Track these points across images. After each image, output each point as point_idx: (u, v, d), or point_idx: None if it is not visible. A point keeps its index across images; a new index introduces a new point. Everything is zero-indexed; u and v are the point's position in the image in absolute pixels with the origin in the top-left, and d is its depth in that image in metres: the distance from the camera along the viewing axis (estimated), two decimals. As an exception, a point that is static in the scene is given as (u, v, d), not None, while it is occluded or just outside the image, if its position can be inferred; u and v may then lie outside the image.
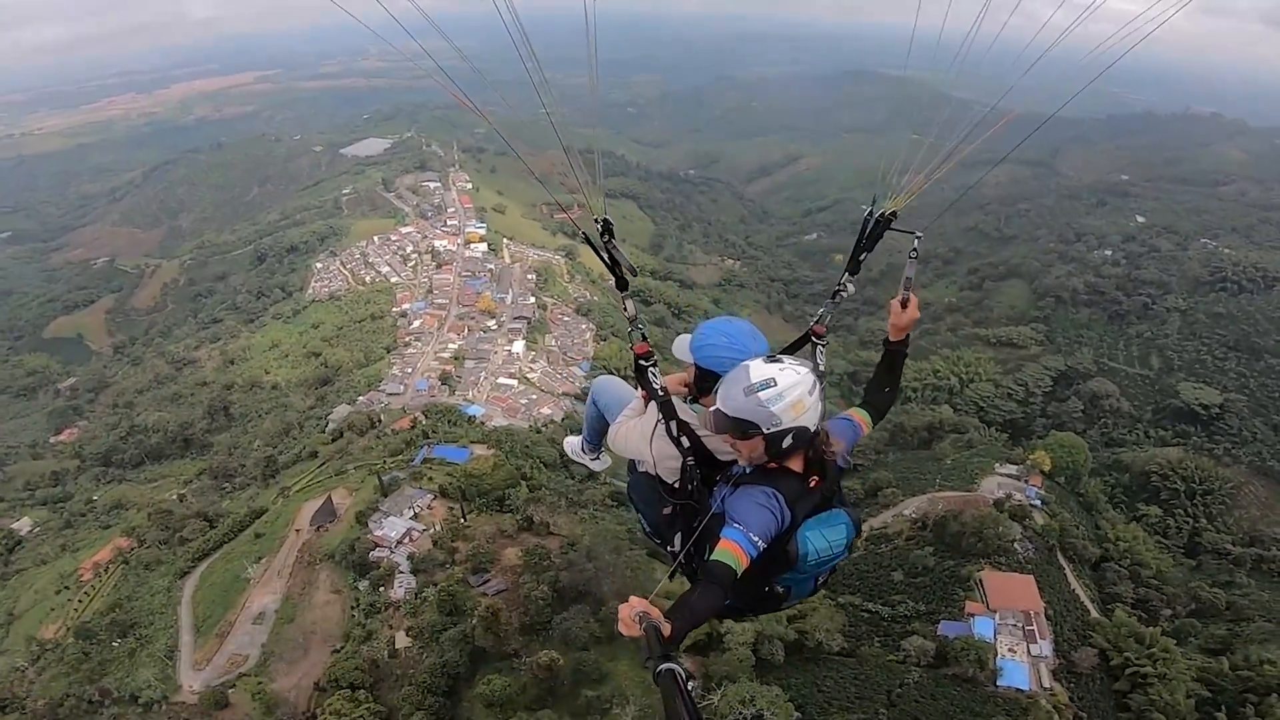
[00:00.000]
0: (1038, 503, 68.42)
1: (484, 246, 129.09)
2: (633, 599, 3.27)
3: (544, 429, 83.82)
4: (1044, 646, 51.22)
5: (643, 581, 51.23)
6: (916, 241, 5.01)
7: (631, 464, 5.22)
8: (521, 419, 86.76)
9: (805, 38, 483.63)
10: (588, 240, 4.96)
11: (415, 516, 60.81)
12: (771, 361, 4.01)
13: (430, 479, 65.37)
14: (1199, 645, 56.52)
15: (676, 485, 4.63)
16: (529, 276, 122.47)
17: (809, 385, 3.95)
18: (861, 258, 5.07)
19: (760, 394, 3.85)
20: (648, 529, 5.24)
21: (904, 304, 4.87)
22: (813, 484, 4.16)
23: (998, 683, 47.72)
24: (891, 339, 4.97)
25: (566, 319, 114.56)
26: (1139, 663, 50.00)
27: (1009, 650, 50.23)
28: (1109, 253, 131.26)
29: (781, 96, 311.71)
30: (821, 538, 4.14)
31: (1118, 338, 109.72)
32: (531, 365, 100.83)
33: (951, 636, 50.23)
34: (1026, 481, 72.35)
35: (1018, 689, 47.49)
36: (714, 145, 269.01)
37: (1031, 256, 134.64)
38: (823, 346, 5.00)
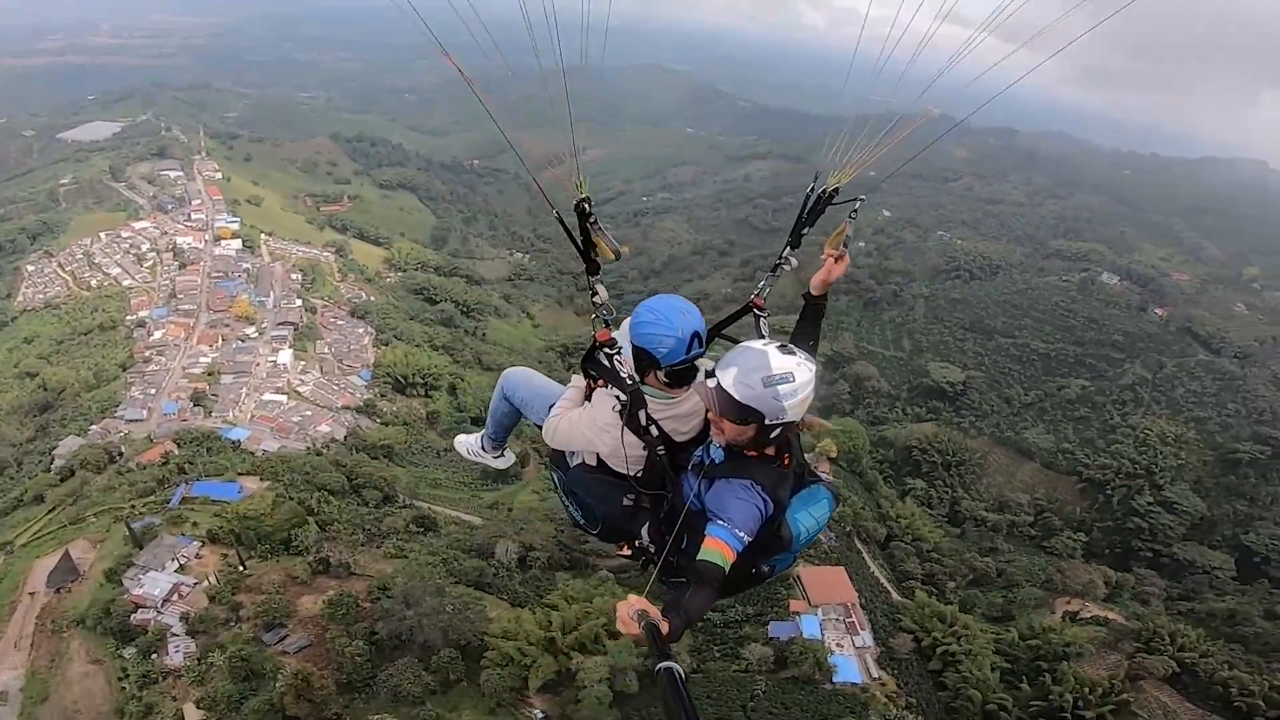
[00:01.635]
0: (830, 489, 74.10)
1: (238, 243, 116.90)
2: (631, 597, 3.31)
3: (325, 450, 77.12)
4: (865, 637, 55.18)
5: (474, 620, 49.18)
6: (857, 205, 5.11)
7: (561, 457, 5.13)
8: (296, 440, 79.17)
9: (598, 28, 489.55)
10: (560, 222, 4.81)
11: (182, 569, 53.71)
12: (786, 353, 3.96)
13: (194, 523, 57.89)
14: (983, 614, 63.66)
15: (638, 475, 4.56)
16: (293, 276, 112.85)
17: (814, 383, 3.97)
18: (804, 232, 5.19)
19: (779, 387, 3.83)
20: (583, 522, 5.16)
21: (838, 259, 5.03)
22: (785, 464, 4.23)
23: (834, 679, 50.53)
24: (815, 293, 5.04)
25: (340, 323, 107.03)
26: (946, 642, 55.50)
27: (836, 645, 53.58)
28: (862, 244, 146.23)
29: (570, 86, 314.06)
30: (809, 516, 4.35)
31: (873, 323, 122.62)
32: (302, 377, 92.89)
33: (783, 638, 52.71)
34: (816, 469, 78.15)
35: (852, 683, 50.71)
36: (500, 134, 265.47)
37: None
38: (765, 318, 5.04)
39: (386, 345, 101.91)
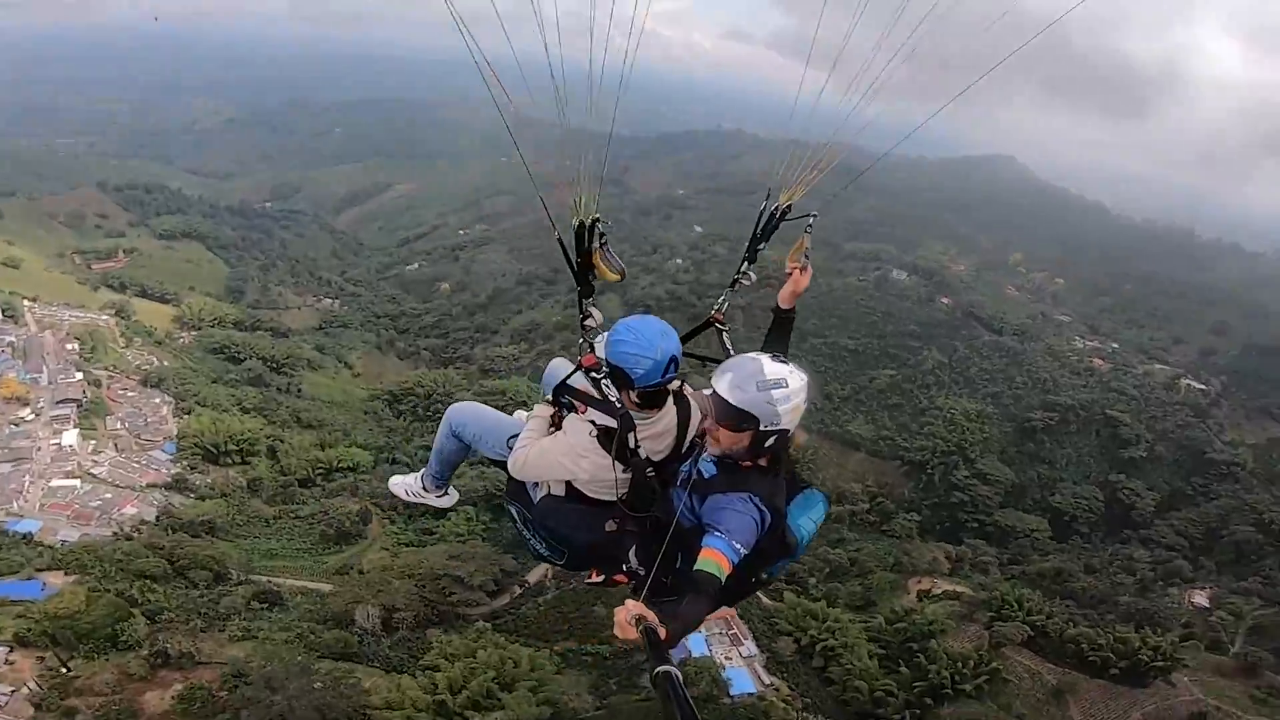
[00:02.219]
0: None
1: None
2: (629, 602, 3.33)
3: (137, 533, 68.81)
4: (750, 646, 56.64)
5: (349, 694, 45.66)
6: (812, 218, 5.39)
7: (521, 490, 5.06)
8: (99, 526, 70.25)
9: (387, 59, 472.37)
10: (560, 244, 4.84)
11: (-8, 677, 46.47)
12: (778, 361, 4.15)
13: (-4, 628, 50.49)
14: (847, 605, 65.97)
15: (624, 497, 4.53)
16: (69, 346, 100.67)
17: (805, 392, 4.14)
18: (760, 248, 5.47)
19: (773, 391, 3.99)
20: (547, 554, 5.06)
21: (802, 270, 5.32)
22: (778, 473, 4.34)
23: (731, 693, 50.83)
24: (784, 306, 5.29)
25: (132, 394, 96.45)
26: (822, 638, 57.61)
27: (725, 658, 54.45)
28: (680, 261, 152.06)
29: (367, 121, 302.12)
30: (809, 521, 4.49)
31: (700, 336, 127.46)
32: (95, 458, 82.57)
33: (675, 660, 52.45)
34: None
35: (749, 693, 51.48)
36: (293, 174, 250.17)
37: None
38: (726, 331, 5.37)
39: (189, 414, 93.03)
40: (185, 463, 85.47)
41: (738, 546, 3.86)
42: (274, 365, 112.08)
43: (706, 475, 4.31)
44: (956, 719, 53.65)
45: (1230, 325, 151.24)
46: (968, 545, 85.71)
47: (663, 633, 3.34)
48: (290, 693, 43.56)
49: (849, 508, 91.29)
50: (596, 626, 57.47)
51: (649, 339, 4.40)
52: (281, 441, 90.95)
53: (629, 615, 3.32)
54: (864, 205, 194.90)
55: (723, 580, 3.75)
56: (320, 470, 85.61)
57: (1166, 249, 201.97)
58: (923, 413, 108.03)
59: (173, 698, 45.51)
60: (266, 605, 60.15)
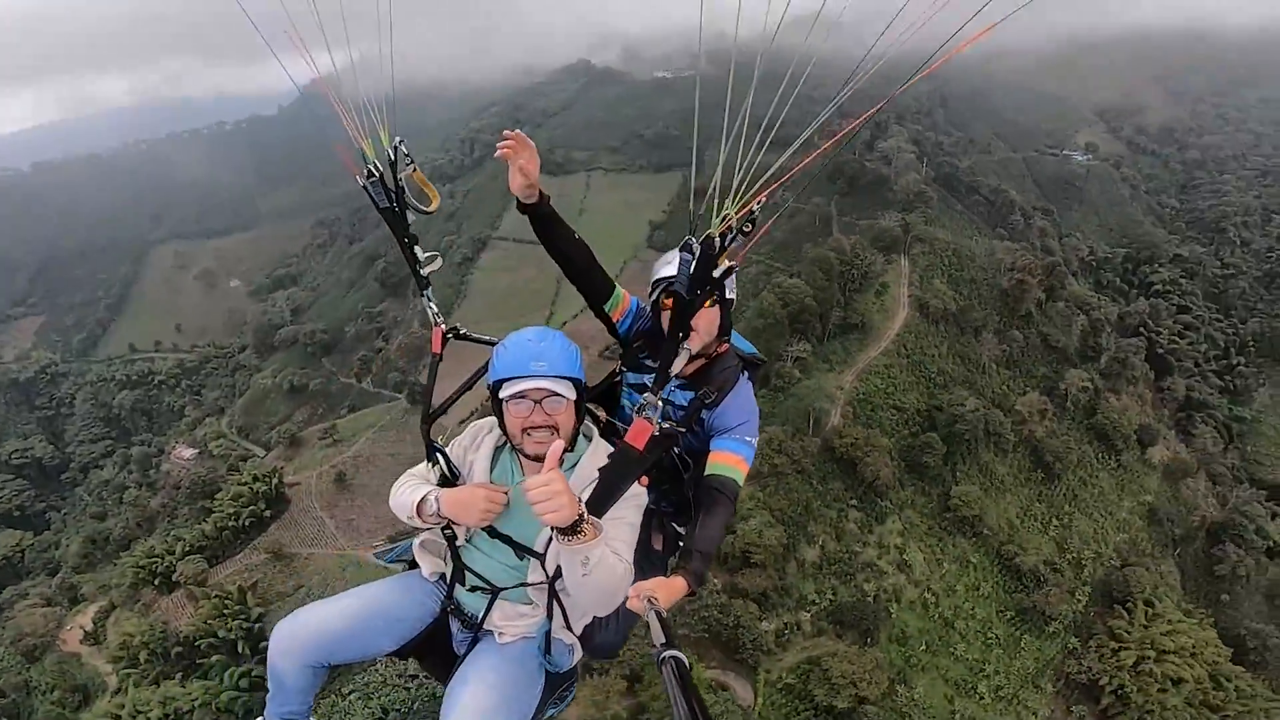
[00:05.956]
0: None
1: None
2: (639, 584, 2.90)
3: None
4: None
5: None
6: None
7: (561, 654, 3.69)
8: None
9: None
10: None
11: None
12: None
13: None
14: None
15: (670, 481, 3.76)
16: None
17: None
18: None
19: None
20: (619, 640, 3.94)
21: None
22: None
23: None
24: (528, 200, 3.40)
25: None
26: None
27: None
28: None
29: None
30: (745, 343, 3.96)
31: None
32: None
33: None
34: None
35: None
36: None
37: None
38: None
39: None
40: None
41: (749, 439, 3.53)
42: None
43: (680, 402, 3.66)
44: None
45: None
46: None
47: (686, 585, 3.03)
48: None
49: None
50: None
51: (516, 348, 3.27)
52: None
53: (641, 594, 2.89)
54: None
55: (741, 483, 3.45)
56: None
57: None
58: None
59: None
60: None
